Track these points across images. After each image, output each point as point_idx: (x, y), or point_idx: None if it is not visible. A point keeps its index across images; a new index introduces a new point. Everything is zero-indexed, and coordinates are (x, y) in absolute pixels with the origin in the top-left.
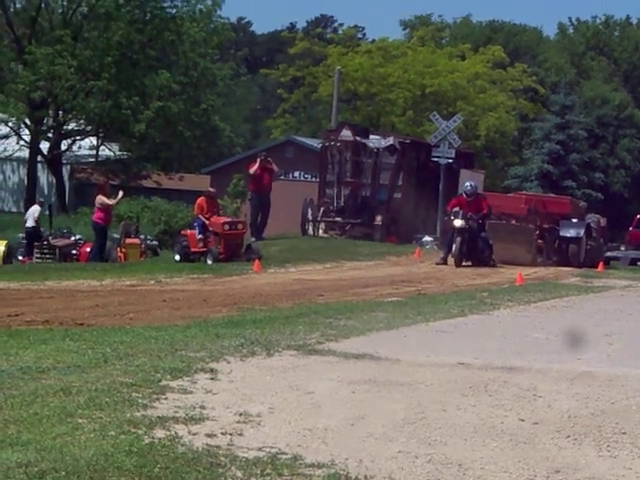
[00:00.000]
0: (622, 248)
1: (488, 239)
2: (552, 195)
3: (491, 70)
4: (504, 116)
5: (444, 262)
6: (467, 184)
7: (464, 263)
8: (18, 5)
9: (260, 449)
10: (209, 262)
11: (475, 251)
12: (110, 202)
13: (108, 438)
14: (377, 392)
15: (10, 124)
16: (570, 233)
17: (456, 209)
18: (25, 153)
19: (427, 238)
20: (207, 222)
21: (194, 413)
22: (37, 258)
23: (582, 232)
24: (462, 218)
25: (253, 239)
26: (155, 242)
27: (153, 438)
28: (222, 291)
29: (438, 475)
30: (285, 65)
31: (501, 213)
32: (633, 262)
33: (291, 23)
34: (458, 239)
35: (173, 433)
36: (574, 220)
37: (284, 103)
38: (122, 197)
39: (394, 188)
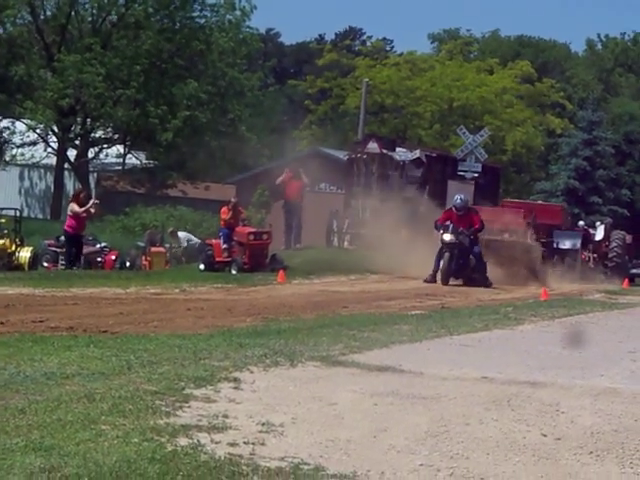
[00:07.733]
0: None
1: (482, 257)
2: (541, 202)
3: (519, 85)
4: (531, 131)
5: (433, 280)
6: (457, 197)
7: (452, 282)
8: (48, 13)
9: (282, 459)
10: (233, 272)
11: (466, 269)
12: (79, 210)
13: (131, 445)
14: (400, 405)
15: (38, 131)
16: (566, 245)
17: (446, 223)
18: (52, 160)
19: None
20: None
21: (217, 422)
22: (62, 265)
23: (578, 243)
24: (452, 232)
25: (298, 245)
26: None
27: (176, 446)
28: (246, 301)
29: None
30: (313, 76)
31: (496, 229)
32: None
33: (319, 35)
34: (446, 255)
35: (196, 441)
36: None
37: (311, 114)
38: (93, 204)
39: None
